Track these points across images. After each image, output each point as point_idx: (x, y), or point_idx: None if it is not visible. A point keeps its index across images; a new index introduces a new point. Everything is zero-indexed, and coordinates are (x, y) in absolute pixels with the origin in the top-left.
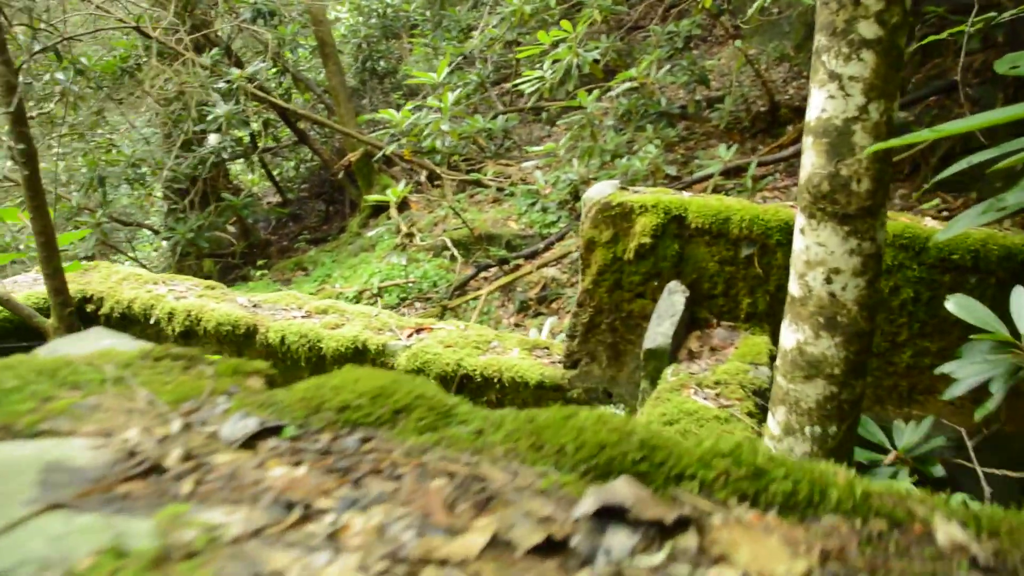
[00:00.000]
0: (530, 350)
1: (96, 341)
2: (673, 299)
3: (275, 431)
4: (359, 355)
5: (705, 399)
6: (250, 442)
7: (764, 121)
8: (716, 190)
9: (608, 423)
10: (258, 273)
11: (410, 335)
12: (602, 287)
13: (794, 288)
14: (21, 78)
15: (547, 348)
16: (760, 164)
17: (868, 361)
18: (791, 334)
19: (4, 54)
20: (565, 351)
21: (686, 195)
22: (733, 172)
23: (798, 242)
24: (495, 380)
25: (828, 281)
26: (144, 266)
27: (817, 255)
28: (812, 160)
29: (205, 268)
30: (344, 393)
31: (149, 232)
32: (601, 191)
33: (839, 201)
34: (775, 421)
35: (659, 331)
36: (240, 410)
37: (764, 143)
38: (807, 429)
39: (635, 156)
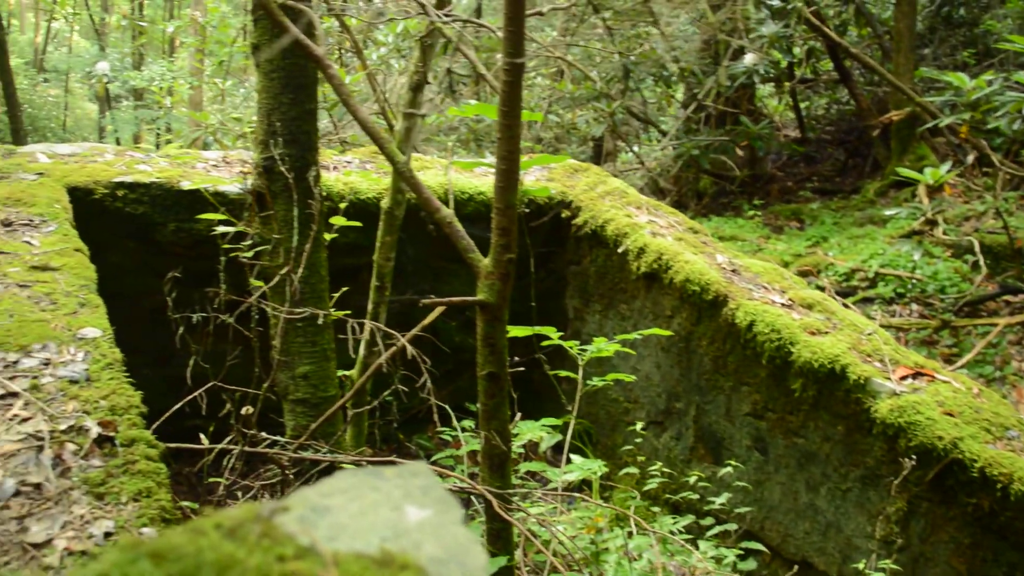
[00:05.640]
0: None
1: None
2: None
3: None
4: (832, 380)
5: None
6: None
7: None
8: None
9: None
10: (751, 212)
11: (903, 377)
12: None
13: None
14: None
15: None
16: None
17: None
18: None
19: None
20: None
21: None
22: None
23: None
24: (998, 486)
25: None
26: (642, 163)
27: None
28: None
29: (701, 185)
30: None
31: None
32: None
33: None
34: None
35: None
36: None
37: None
38: None
39: None
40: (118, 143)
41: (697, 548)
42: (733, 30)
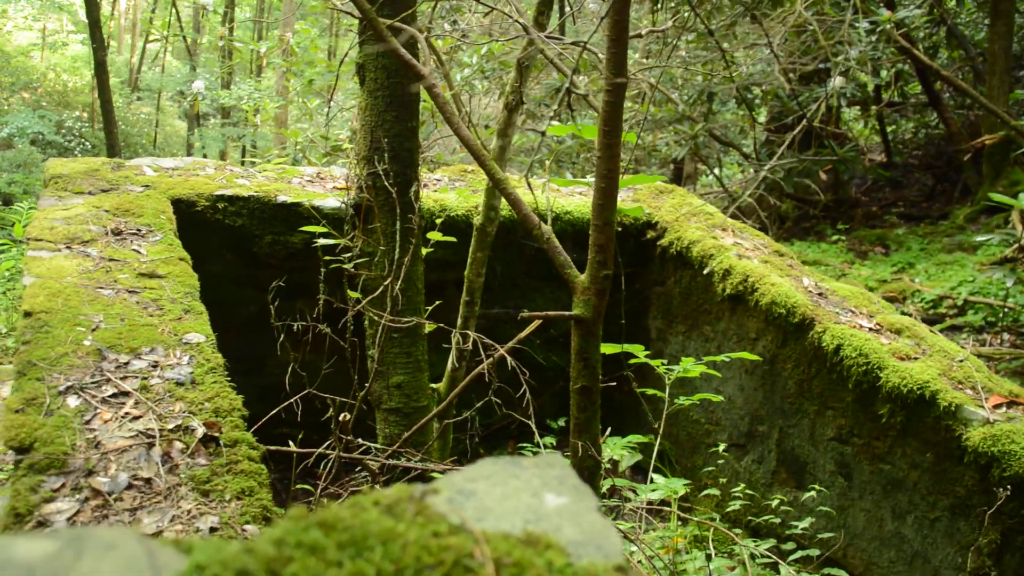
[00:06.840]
0: None
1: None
2: None
3: None
4: (922, 406)
5: None
6: None
7: None
8: None
9: None
10: (834, 236)
11: (997, 405)
12: None
13: None
14: None
15: None
16: None
17: None
18: None
19: None
20: None
21: None
22: None
23: None
24: None
25: None
26: (724, 187)
27: None
28: None
29: (783, 208)
30: None
31: (739, 154)
32: None
33: None
34: None
35: None
36: None
37: None
38: None
39: None
40: (204, 159)
41: (779, 572)
42: (837, 52)
